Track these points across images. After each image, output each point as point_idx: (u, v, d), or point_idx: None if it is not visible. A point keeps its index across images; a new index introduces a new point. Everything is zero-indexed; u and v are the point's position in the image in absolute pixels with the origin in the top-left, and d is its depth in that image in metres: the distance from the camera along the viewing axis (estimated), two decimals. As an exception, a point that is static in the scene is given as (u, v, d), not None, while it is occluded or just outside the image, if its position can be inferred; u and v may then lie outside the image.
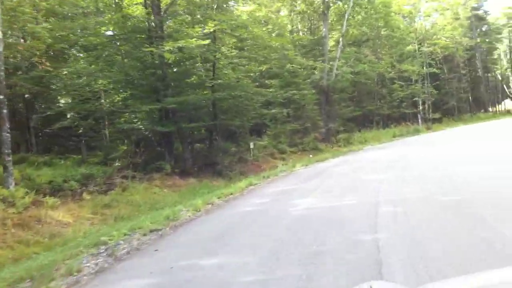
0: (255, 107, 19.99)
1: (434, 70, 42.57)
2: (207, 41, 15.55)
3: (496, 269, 1.66)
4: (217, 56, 18.62)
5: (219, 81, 18.70)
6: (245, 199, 9.24)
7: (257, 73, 25.57)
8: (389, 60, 39.29)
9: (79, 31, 16.62)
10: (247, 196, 9.66)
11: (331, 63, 27.31)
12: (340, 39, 27.69)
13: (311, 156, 18.98)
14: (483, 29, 57.46)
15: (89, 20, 16.92)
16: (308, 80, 26.06)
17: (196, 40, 15.06)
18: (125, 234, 6.36)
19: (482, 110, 53.79)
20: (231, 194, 9.83)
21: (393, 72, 40.33)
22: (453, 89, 46.54)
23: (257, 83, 22.94)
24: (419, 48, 39.16)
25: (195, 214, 7.79)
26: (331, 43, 31.20)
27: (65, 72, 18.20)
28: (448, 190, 7.61)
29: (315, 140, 23.97)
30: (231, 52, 20.00)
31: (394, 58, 41.22)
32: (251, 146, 18.97)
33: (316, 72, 26.37)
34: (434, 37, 46.64)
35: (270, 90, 22.19)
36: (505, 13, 55.31)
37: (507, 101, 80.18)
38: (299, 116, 23.83)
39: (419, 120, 34.21)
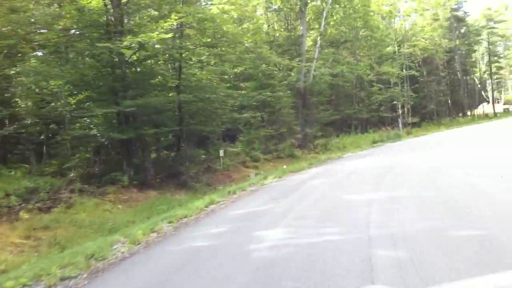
0: (226, 111, 18.49)
1: (414, 72, 41.95)
2: (169, 35, 14.01)
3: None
4: (183, 55, 17.08)
5: (187, 82, 17.19)
6: (199, 225, 7.68)
7: (231, 75, 24.17)
8: (368, 62, 38.43)
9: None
10: (202, 221, 8.09)
11: (308, 64, 26.07)
12: (318, 39, 26.53)
13: (285, 166, 17.52)
14: (462, 30, 57.46)
15: (38, 12, 15.09)
16: (285, 82, 24.78)
17: (158, 34, 13.49)
18: (24, 286, 4.75)
19: (461, 114, 53.70)
20: (185, 217, 8.27)
21: (372, 75, 39.48)
22: (432, 92, 46.08)
23: (230, 85, 21.50)
24: (398, 49, 38.36)
25: (131, 249, 6.13)
26: (308, 42, 30.02)
27: (12, 72, 16.46)
28: (460, 217, 6.17)
29: (291, 147, 22.63)
30: (199, 50, 18.42)
31: (373, 60, 40.43)
32: (221, 154, 17.50)
33: (293, 74, 25.08)
34: (414, 38, 46.12)
35: (243, 92, 20.74)
36: (484, 14, 55.40)
37: (484, 104, 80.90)
38: (274, 120, 22.46)
39: (400, 125, 33.27)
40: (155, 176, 15.39)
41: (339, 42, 40.97)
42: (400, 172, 11.75)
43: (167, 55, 16.73)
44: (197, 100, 16.59)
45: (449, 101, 48.46)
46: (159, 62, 17.09)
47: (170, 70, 17.94)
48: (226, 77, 22.94)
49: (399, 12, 42.94)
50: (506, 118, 43.46)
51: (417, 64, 48.43)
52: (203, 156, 18.54)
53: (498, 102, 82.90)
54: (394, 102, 37.43)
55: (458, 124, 42.21)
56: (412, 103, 43.23)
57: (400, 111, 36.66)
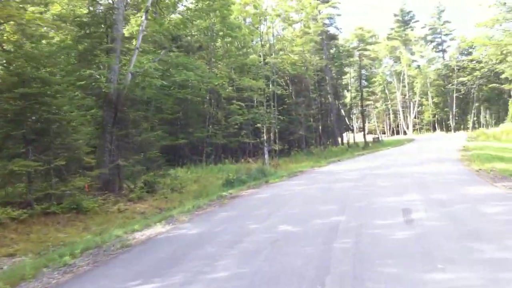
0: None
1: (281, 91, 36.38)
2: None
3: None
4: None
5: None
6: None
7: None
8: (226, 72, 31.64)
9: None
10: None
11: (126, 57, 17.83)
12: (144, 17, 18.30)
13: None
14: (332, 50, 54.93)
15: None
16: (82, 83, 16.18)
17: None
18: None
19: (330, 141, 50.20)
20: None
21: (230, 89, 32.79)
22: (302, 116, 41.24)
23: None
24: (264, 59, 32.25)
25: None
26: (133, 28, 21.83)
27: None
28: None
29: (82, 193, 13.85)
30: None
31: (233, 71, 33.88)
32: None
33: (98, 75, 16.45)
34: (281, 52, 41.13)
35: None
36: (356, 34, 53.34)
37: (349, 133, 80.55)
38: (48, 144, 13.42)
39: (265, 155, 26.46)
40: None
41: (194, 48, 34.06)
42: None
43: None
44: None
45: (320, 127, 44.16)
46: None
47: None
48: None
49: (265, 19, 37.24)
50: (389, 149, 40.22)
51: (284, 83, 43.50)
52: None
53: (360, 131, 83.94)
54: (258, 125, 30.98)
55: (332, 155, 37.52)
56: (279, 127, 37.62)
57: (265, 137, 30.28)
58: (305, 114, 42.41)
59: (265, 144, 29.25)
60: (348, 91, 60.36)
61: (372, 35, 56.07)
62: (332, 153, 38.42)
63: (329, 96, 48.69)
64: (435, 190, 11.68)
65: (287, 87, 43.59)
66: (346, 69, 56.86)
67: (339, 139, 51.17)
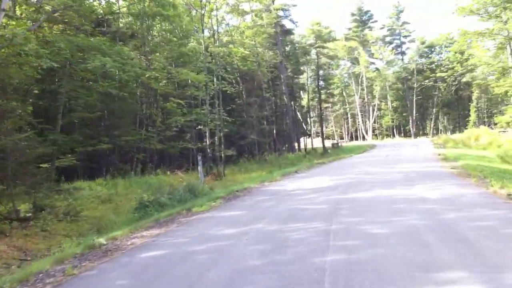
0: None
1: (229, 88, 31.94)
2: None
3: None
4: None
5: None
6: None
7: None
8: (162, 64, 26.92)
9: None
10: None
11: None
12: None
13: None
14: (288, 48, 51.14)
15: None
16: None
17: None
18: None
19: (286, 147, 46.18)
20: None
21: (167, 83, 28.07)
22: (254, 118, 36.90)
23: None
24: (207, 48, 27.69)
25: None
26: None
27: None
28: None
29: None
30: None
31: (173, 64, 29.17)
32: None
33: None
34: (231, 46, 36.79)
35: None
36: (313, 30, 49.76)
37: (305, 138, 77.33)
38: None
39: (199, 167, 21.01)
40: None
41: (126, 36, 29.41)
42: None
43: None
44: None
45: (274, 130, 39.99)
46: None
47: None
48: None
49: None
50: (352, 157, 36.47)
51: (234, 81, 39.13)
52: None
53: (318, 136, 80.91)
54: (200, 127, 26.34)
55: (290, 163, 33.37)
56: (226, 130, 33.15)
57: (207, 141, 25.68)
58: (258, 116, 38.18)
59: (199, 153, 24.42)
60: (305, 91, 56.67)
61: (330, 31, 52.69)
62: (288, 161, 34.29)
63: (284, 96, 44.68)
64: (489, 257, 5.53)
65: (237, 85, 39.24)
66: (303, 68, 53.25)
67: (296, 145, 47.25)
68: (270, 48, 43.52)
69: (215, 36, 27.62)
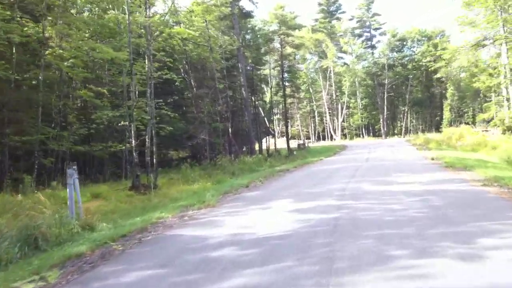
0: None
1: (171, 75, 25.58)
2: None
3: None
4: None
5: None
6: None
7: None
8: (74, 38, 20.34)
9: None
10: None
11: None
12: None
13: None
14: (248, 36, 45.08)
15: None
16: None
17: None
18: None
19: (246, 149, 40.05)
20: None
21: (87, 67, 21.51)
22: (205, 114, 30.60)
23: None
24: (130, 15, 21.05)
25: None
26: None
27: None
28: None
29: None
30: None
31: (87, 35, 22.51)
32: None
33: None
34: (177, 27, 30.50)
35: None
36: (276, 15, 43.79)
37: (269, 138, 72.01)
38: None
39: (68, 189, 13.88)
40: None
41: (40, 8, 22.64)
42: None
43: None
44: None
45: (230, 129, 33.70)
46: None
47: None
48: None
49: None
50: (322, 160, 30.62)
51: (182, 69, 32.78)
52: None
53: (283, 136, 75.29)
54: (125, 123, 19.80)
55: (246, 169, 27.30)
56: (171, 128, 26.91)
57: (133, 142, 19.19)
58: (210, 111, 31.87)
59: (133, 157, 18.07)
60: (267, 84, 50.58)
61: (295, 17, 46.91)
62: (245, 166, 28.17)
63: (243, 89, 38.49)
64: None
65: (186, 75, 32.90)
66: (266, 59, 47.21)
67: (257, 146, 41.17)
68: (227, 33, 37.33)
69: (147, 4, 21.11)
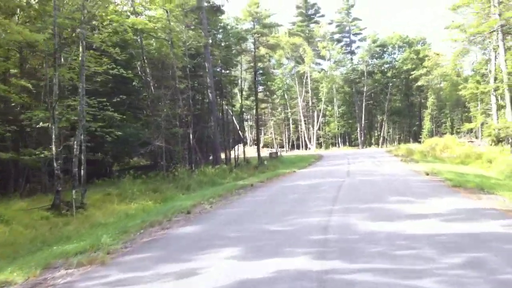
0: None
1: (117, 69, 21.56)
2: None
3: None
4: None
5: None
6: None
7: None
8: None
9: None
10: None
11: None
12: None
13: None
14: (220, 36, 41.33)
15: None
16: None
17: None
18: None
19: (212, 158, 36.05)
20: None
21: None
22: (162, 118, 26.62)
23: None
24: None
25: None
26: None
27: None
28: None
29: None
30: None
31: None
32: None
33: None
34: (133, 17, 26.86)
35: None
36: (250, 12, 40.17)
37: (240, 146, 68.85)
38: None
39: None
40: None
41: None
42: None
43: None
44: None
45: (191, 135, 29.67)
46: None
47: None
48: None
49: None
50: (296, 173, 27.02)
51: (140, 68, 28.81)
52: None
53: (255, 144, 71.81)
54: (41, 124, 15.70)
55: (206, 181, 23.71)
56: (120, 133, 22.98)
57: (53, 149, 15.11)
58: (169, 114, 27.89)
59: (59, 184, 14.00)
60: (237, 87, 46.68)
61: (270, 15, 43.29)
62: (205, 178, 24.38)
63: (209, 91, 34.58)
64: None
65: (143, 74, 28.92)
66: (238, 60, 43.39)
67: (224, 155, 37.25)
68: (192, 28, 33.47)
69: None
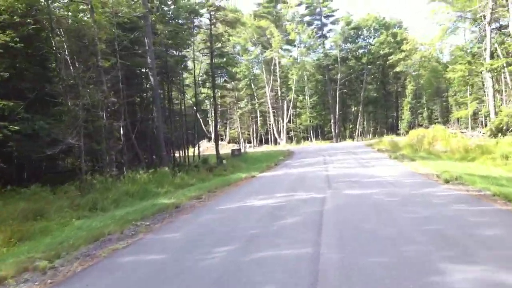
0: None
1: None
2: None
3: None
4: None
5: None
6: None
7: None
8: None
9: None
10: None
11: None
12: None
13: None
14: (170, 12, 34.56)
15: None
16: None
17: None
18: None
19: (156, 159, 29.36)
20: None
21: None
22: (80, 107, 19.85)
23: None
24: None
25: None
26: None
27: None
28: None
29: None
30: None
31: None
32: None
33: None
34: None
35: None
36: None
37: (205, 141, 64.18)
38: None
39: None
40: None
41: None
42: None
43: None
44: None
45: (123, 129, 22.98)
46: None
47: None
48: None
49: None
50: (256, 178, 20.75)
51: (53, 40, 21.90)
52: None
53: (222, 140, 65.38)
54: None
55: (135, 193, 17.28)
56: (17, 128, 16.51)
57: None
58: (91, 103, 21.09)
59: None
60: (190, 72, 40.02)
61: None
62: (133, 188, 17.92)
63: (150, 75, 27.83)
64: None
65: (54, 49, 21.95)
66: (191, 40, 36.71)
67: (180, 153, 30.61)
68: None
69: None
